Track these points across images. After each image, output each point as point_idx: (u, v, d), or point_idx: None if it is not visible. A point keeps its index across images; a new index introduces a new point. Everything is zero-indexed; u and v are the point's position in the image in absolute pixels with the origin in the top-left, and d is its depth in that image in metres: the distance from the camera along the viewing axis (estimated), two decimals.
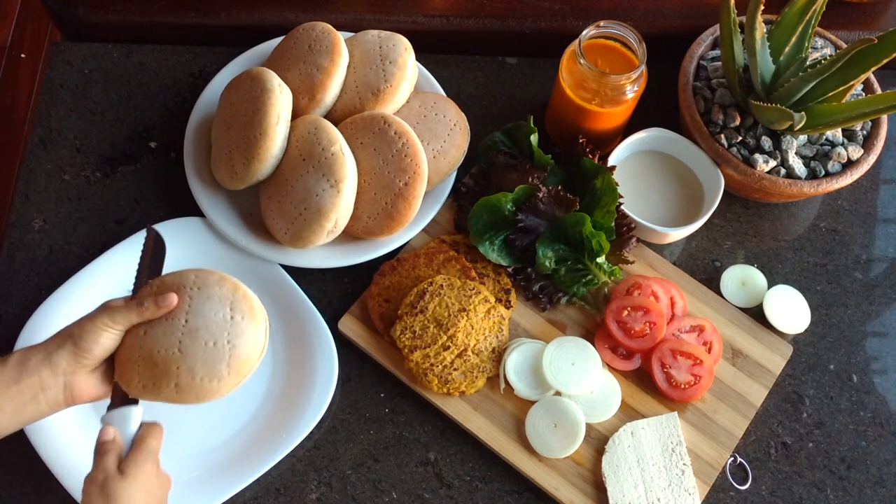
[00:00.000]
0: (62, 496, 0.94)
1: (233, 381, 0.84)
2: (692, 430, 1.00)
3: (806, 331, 1.06)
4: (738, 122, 1.07)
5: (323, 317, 1.02)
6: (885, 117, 1.08)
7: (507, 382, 1.00)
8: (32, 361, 0.82)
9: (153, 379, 0.84)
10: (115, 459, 0.80)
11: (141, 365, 0.84)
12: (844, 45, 1.11)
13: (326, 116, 1.08)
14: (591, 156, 1.06)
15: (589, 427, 0.99)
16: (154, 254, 0.91)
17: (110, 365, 0.86)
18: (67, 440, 0.97)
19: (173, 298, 0.84)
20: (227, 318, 0.84)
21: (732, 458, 1.00)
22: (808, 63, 1.02)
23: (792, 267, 1.11)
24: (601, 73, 1.01)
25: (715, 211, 1.08)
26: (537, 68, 1.20)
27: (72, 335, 0.83)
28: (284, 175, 1.03)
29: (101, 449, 0.81)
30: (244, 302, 0.85)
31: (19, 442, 0.96)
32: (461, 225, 1.08)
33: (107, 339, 0.84)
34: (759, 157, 1.05)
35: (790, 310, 1.06)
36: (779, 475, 1.00)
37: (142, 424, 0.84)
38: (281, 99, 1.02)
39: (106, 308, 0.85)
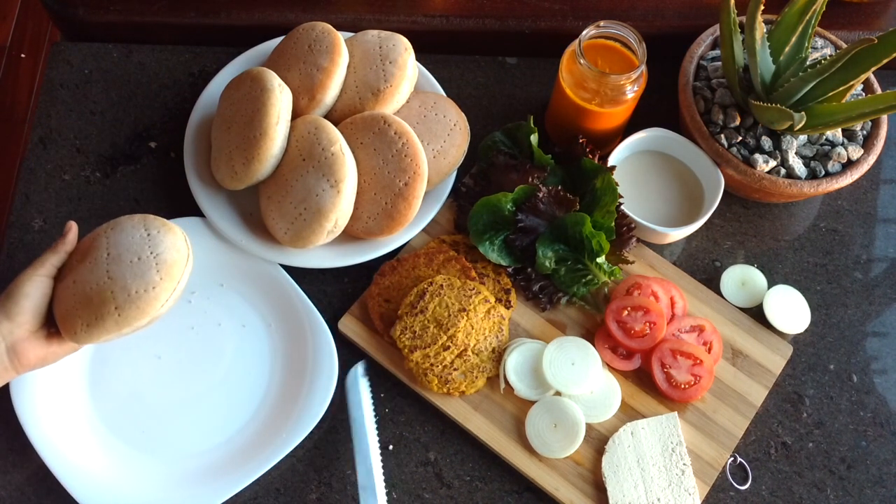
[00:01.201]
0: (62, 496, 0.94)
1: (167, 285, 0.88)
2: (692, 430, 1.00)
3: (806, 331, 1.06)
4: (738, 122, 1.07)
5: (323, 317, 1.02)
6: (885, 117, 1.08)
7: (507, 382, 1.00)
8: None
9: (94, 313, 0.87)
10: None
11: (79, 308, 0.87)
12: (844, 45, 1.11)
13: (326, 116, 1.08)
14: (591, 156, 1.06)
15: (589, 427, 0.99)
16: None
17: (53, 327, 0.90)
18: (68, 440, 0.97)
19: (72, 224, 0.91)
20: (144, 236, 0.89)
21: (732, 458, 1.00)
22: (808, 63, 1.02)
23: (792, 267, 1.11)
24: (601, 73, 1.01)
25: (715, 211, 1.08)
26: (537, 68, 1.20)
27: (1, 297, 0.87)
28: (284, 175, 1.03)
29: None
30: (157, 221, 0.91)
31: (19, 441, 0.96)
32: (461, 225, 1.08)
33: (31, 287, 0.88)
34: (759, 157, 1.05)
35: (790, 310, 1.06)
36: (779, 475, 1.00)
37: None
38: (281, 99, 1.02)
39: (29, 265, 0.90)
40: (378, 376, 1.03)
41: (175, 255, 0.89)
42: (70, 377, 1.00)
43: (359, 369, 1.01)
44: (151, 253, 0.88)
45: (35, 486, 0.97)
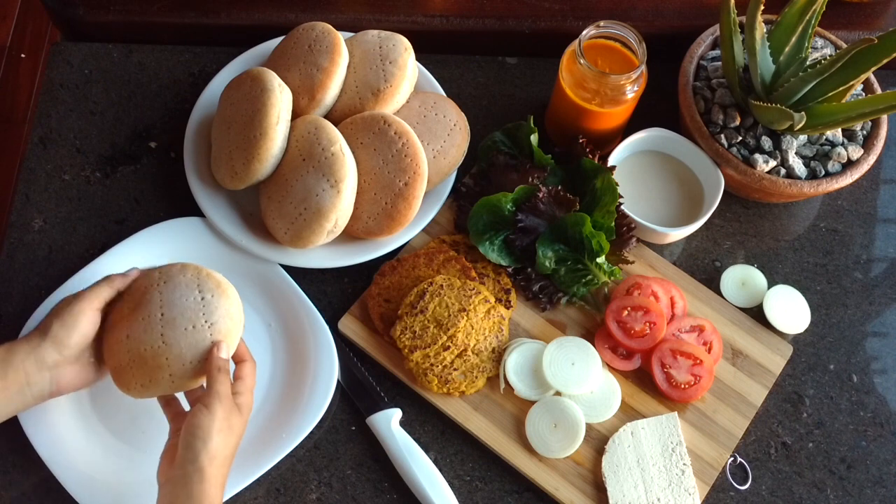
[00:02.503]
0: (62, 496, 0.94)
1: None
2: (692, 430, 1.00)
3: (806, 331, 1.06)
4: (738, 122, 1.07)
5: (323, 317, 1.02)
6: (885, 117, 1.08)
7: (507, 382, 1.00)
8: (18, 357, 0.84)
9: (148, 376, 0.87)
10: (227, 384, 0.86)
11: (133, 366, 0.87)
12: (844, 45, 1.11)
13: (326, 116, 1.08)
14: (591, 156, 1.06)
15: (589, 427, 0.99)
16: None
17: (92, 353, 0.89)
18: (68, 441, 0.97)
19: (136, 271, 0.91)
20: (198, 301, 0.88)
21: (732, 458, 1.00)
22: (808, 63, 1.02)
23: (792, 267, 1.11)
24: (601, 73, 1.01)
25: (715, 211, 1.08)
26: (537, 68, 1.20)
27: (49, 328, 0.86)
28: (284, 175, 1.03)
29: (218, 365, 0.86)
30: (210, 281, 0.89)
31: (19, 442, 0.96)
32: (461, 225, 1.08)
33: (84, 323, 0.87)
34: (759, 157, 1.05)
35: (790, 310, 1.06)
36: (779, 475, 1.00)
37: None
38: (281, 99, 1.02)
39: (77, 294, 0.88)
40: (378, 376, 1.03)
41: (229, 323, 0.88)
42: None
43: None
44: (206, 322, 0.87)
45: (34, 485, 0.97)
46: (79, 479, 0.95)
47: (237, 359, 0.91)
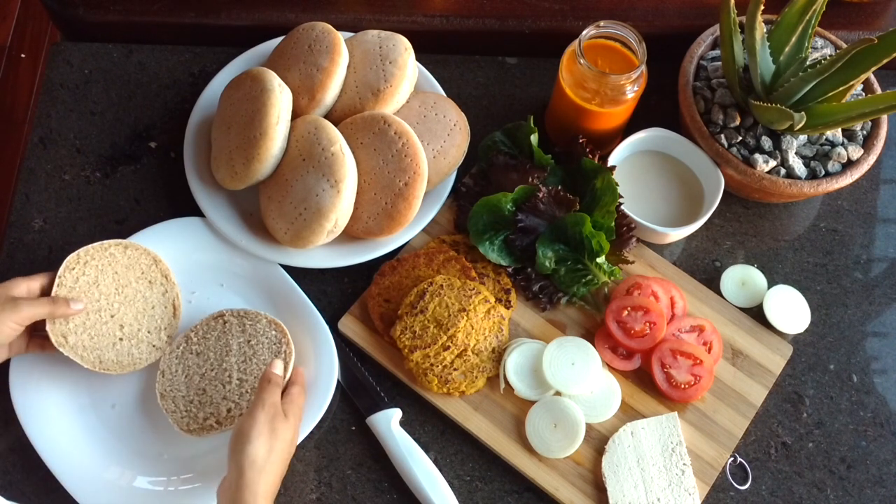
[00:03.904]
0: (62, 496, 0.94)
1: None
2: (692, 430, 1.00)
3: (806, 331, 1.06)
4: (738, 122, 1.07)
5: (323, 317, 1.02)
6: (885, 117, 1.08)
7: (507, 382, 1.00)
8: None
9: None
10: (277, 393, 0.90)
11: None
12: (844, 45, 1.11)
13: (326, 116, 1.08)
14: (591, 156, 1.06)
15: (589, 427, 0.99)
16: None
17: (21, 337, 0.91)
18: (68, 440, 0.97)
19: (81, 307, 0.93)
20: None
21: (732, 458, 1.00)
22: (808, 63, 1.02)
23: (792, 267, 1.11)
24: (601, 73, 1.01)
25: (715, 211, 1.08)
26: (537, 68, 1.20)
27: None
28: (284, 175, 1.03)
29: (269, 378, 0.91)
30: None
31: (19, 442, 0.96)
32: (461, 225, 1.08)
33: (7, 334, 0.88)
34: (759, 157, 1.05)
35: (790, 310, 1.06)
36: (779, 475, 1.00)
37: None
38: (281, 99, 1.02)
39: (12, 304, 0.88)
40: (378, 376, 1.03)
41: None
42: (71, 373, 0.99)
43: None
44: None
45: (34, 485, 0.97)
46: (78, 480, 0.95)
47: (290, 380, 0.94)
